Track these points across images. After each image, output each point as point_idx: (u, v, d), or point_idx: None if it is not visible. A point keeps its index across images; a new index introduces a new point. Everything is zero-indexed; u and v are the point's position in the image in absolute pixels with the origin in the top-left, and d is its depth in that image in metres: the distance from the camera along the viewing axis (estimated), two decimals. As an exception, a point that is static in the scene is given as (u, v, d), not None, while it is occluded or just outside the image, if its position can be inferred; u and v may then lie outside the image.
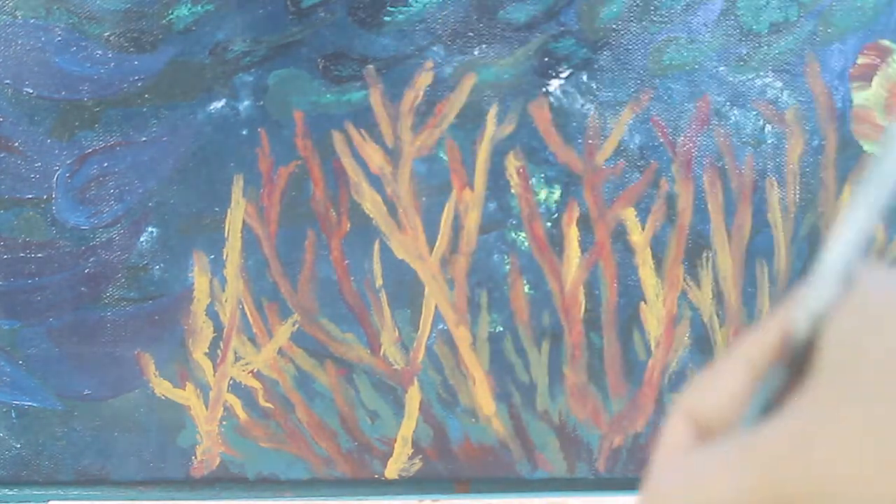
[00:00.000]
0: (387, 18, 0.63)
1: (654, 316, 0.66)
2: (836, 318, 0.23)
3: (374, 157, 0.65)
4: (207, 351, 0.66)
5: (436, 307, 0.66)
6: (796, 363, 0.25)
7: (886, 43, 0.65)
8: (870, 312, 0.23)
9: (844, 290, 0.24)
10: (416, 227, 0.65)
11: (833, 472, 0.22)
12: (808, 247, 0.67)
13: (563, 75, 0.64)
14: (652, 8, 0.63)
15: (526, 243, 0.65)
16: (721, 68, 0.64)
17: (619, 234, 0.65)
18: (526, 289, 0.66)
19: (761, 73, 0.65)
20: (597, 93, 0.64)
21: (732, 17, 0.64)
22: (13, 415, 0.67)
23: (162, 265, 0.65)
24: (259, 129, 0.64)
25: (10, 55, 0.63)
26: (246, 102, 0.64)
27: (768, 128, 0.66)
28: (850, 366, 0.22)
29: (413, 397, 0.67)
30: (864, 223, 0.24)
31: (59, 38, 0.63)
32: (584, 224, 0.65)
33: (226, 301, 0.66)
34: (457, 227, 0.65)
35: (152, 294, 0.66)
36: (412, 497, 0.68)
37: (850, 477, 0.22)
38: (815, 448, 0.22)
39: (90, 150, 0.64)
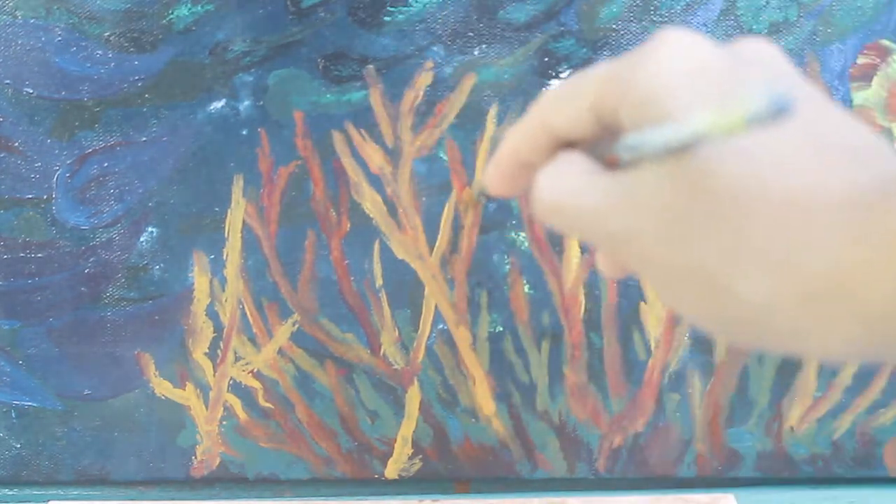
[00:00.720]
0: (387, 18, 0.63)
1: (654, 316, 0.66)
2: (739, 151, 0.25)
3: (374, 157, 0.65)
4: (207, 351, 0.66)
5: (436, 307, 0.66)
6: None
7: (886, 43, 0.65)
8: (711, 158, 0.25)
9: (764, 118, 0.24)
10: (416, 227, 0.65)
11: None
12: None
13: (563, 75, 0.64)
14: (652, 8, 0.63)
15: (526, 243, 0.65)
16: (721, 68, 0.64)
17: (619, 234, 0.65)
18: (526, 289, 0.66)
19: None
20: (597, 93, 0.64)
21: (732, 17, 0.64)
22: (13, 415, 0.67)
23: (162, 265, 0.65)
24: (259, 129, 0.64)
25: (10, 55, 0.63)
26: (246, 102, 0.64)
27: (768, 128, 0.66)
28: (679, 185, 0.25)
29: (413, 397, 0.67)
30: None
31: (59, 38, 0.63)
32: (584, 224, 0.65)
33: (226, 301, 0.66)
34: (457, 227, 0.65)
35: (152, 294, 0.66)
36: (412, 497, 0.68)
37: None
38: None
39: (90, 150, 0.64)
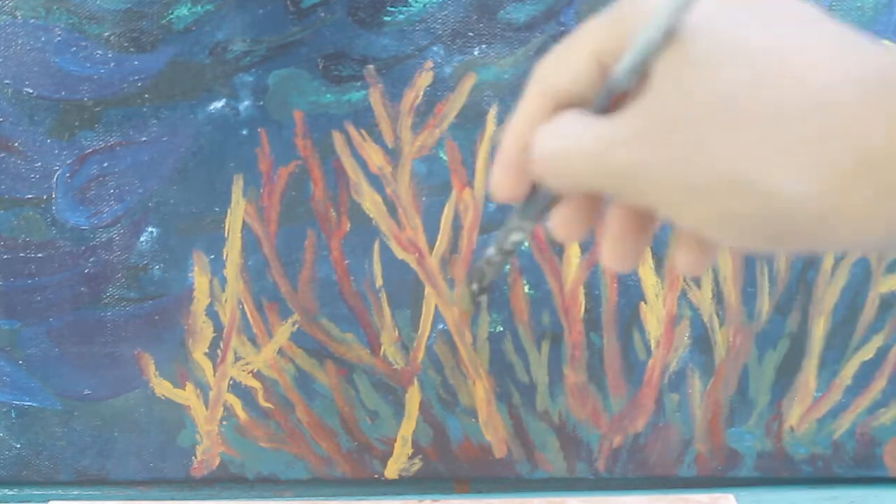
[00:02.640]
0: (387, 18, 0.63)
1: (654, 316, 0.66)
2: (665, 59, 0.25)
3: (374, 157, 0.65)
4: (207, 351, 0.66)
5: (436, 307, 0.66)
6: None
7: (886, 43, 0.65)
8: (697, 53, 0.25)
9: (669, 36, 0.25)
10: (416, 227, 0.65)
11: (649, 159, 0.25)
12: (808, 247, 0.67)
13: (563, 75, 0.64)
14: (652, 8, 0.63)
15: (526, 243, 0.65)
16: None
17: (619, 234, 0.65)
18: (526, 289, 0.66)
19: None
20: (597, 93, 0.64)
21: (732, 17, 0.64)
22: (13, 415, 0.67)
23: (162, 265, 0.65)
24: (259, 129, 0.64)
25: (10, 55, 0.63)
26: (246, 102, 0.64)
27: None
28: (677, 99, 0.25)
29: (413, 397, 0.67)
30: None
31: (59, 38, 0.63)
32: (584, 224, 0.65)
33: (226, 301, 0.66)
34: (457, 227, 0.65)
35: (152, 294, 0.66)
36: (412, 497, 0.68)
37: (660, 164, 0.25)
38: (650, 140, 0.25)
39: (90, 150, 0.64)
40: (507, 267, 0.66)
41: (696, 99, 0.25)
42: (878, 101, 0.23)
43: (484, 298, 0.36)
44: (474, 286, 0.35)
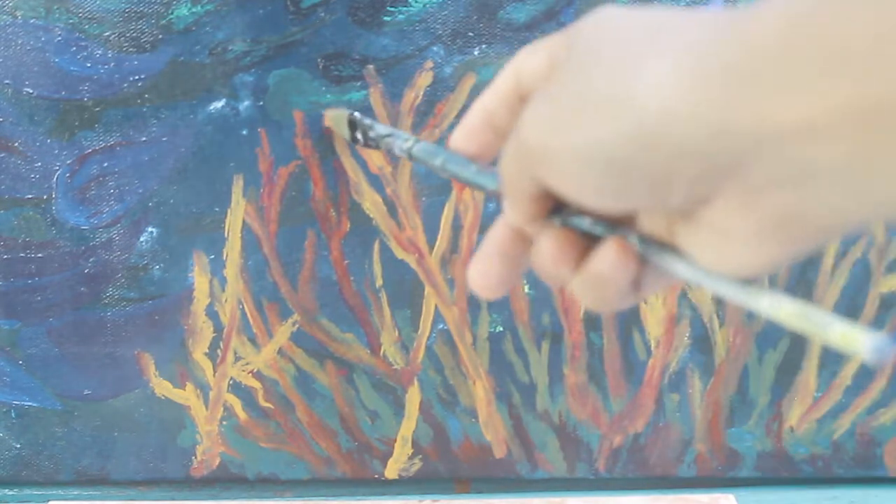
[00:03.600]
0: (387, 18, 0.63)
1: (654, 316, 0.66)
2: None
3: (374, 157, 0.65)
4: (207, 351, 0.66)
5: (436, 307, 0.66)
6: None
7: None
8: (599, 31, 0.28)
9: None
10: (416, 227, 0.65)
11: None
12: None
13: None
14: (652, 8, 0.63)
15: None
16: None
17: (619, 234, 0.65)
18: (526, 289, 0.66)
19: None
20: (597, 93, 0.64)
21: (732, 17, 0.64)
22: (13, 415, 0.67)
23: (162, 265, 0.65)
24: (259, 129, 0.64)
25: (10, 55, 0.63)
26: (246, 102, 0.64)
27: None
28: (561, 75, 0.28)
29: (413, 397, 0.67)
30: None
31: (59, 38, 0.63)
32: (584, 224, 0.65)
33: (226, 301, 0.66)
34: (457, 227, 0.65)
35: (152, 294, 0.66)
36: (412, 497, 0.68)
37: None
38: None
39: (90, 150, 0.64)
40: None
41: (575, 61, 0.27)
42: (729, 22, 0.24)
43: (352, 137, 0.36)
44: (358, 134, 0.35)
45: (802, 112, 0.22)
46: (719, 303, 0.66)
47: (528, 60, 0.31)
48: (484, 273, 0.33)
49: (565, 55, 0.28)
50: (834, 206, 0.24)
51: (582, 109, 0.26)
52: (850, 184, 0.23)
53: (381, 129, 0.35)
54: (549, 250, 0.30)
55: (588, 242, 0.30)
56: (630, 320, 0.66)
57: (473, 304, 0.66)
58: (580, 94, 0.26)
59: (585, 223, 0.29)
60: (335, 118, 0.36)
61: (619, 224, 0.29)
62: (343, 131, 0.36)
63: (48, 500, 0.68)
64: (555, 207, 0.30)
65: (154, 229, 0.65)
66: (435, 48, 0.64)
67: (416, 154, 0.34)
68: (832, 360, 0.67)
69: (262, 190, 0.65)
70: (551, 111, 0.27)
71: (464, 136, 0.33)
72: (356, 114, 0.36)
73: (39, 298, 0.66)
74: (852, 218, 0.24)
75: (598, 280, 0.29)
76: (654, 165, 0.25)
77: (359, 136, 0.35)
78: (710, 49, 0.24)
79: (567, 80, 0.27)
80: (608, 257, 0.29)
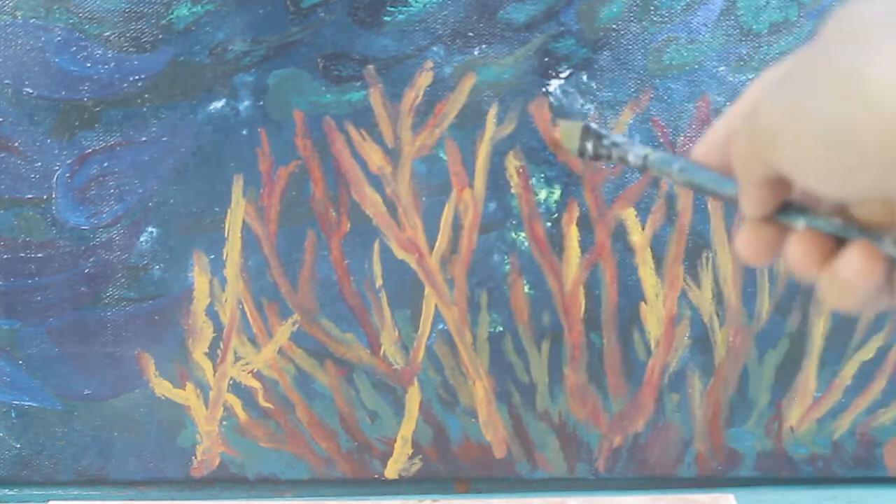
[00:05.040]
0: (387, 18, 0.63)
1: (654, 316, 0.66)
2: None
3: (374, 157, 0.65)
4: (207, 351, 0.66)
5: (436, 307, 0.66)
6: None
7: None
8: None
9: None
10: (416, 227, 0.65)
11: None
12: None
13: (563, 75, 0.64)
14: (652, 8, 0.63)
15: (526, 243, 0.65)
16: (721, 68, 0.64)
17: (619, 234, 0.65)
18: (526, 289, 0.66)
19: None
20: (597, 93, 0.64)
21: (732, 17, 0.64)
22: (13, 415, 0.67)
23: (162, 265, 0.65)
24: (259, 129, 0.64)
25: (10, 55, 0.63)
26: (246, 102, 0.64)
27: (768, 128, 0.66)
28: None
29: (413, 397, 0.67)
30: None
31: (59, 38, 0.63)
32: (584, 224, 0.65)
33: (226, 301, 0.66)
34: (457, 227, 0.65)
35: (152, 294, 0.66)
36: (412, 497, 0.68)
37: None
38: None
39: (90, 150, 0.64)
40: (508, 267, 0.66)
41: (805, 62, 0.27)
42: None
43: (585, 155, 0.34)
44: (588, 145, 0.34)
45: None
46: (719, 303, 0.66)
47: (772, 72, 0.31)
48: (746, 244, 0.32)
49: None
50: None
51: (818, 86, 0.26)
52: None
53: (615, 138, 0.35)
54: (796, 251, 0.30)
55: (837, 243, 0.29)
56: (630, 320, 0.66)
57: (473, 304, 0.66)
58: (817, 72, 0.26)
59: (831, 226, 0.29)
60: (567, 129, 0.35)
61: (867, 227, 0.28)
62: (573, 143, 0.35)
63: (48, 500, 0.68)
64: (789, 204, 0.30)
65: (154, 229, 0.65)
66: (435, 48, 0.64)
67: (652, 163, 0.33)
68: (832, 360, 0.67)
69: (262, 190, 0.65)
70: (787, 90, 0.27)
71: (706, 149, 0.33)
72: (592, 124, 0.35)
73: (39, 298, 0.66)
74: None
75: (844, 284, 0.29)
76: (886, 146, 0.24)
77: (589, 146, 0.35)
78: None
79: (806, 60, 0.27)
80: (853, 263, 0.28)
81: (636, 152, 0.34)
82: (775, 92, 0.27)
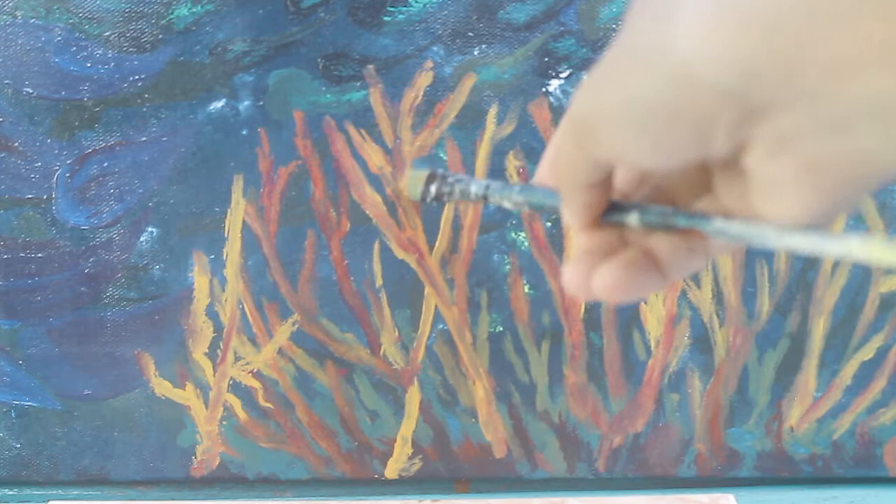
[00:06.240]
0: (387, 18, 0.63)
1: (654, 316, 0.66)
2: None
3: (374, 157, 0.65)
4: (207, 351, 0.67)
5: (436, 307, 0.66)
6: None
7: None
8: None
9: None
10: (416, 227, 0.65)
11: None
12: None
13: (563, 75, 0.64)
14: (652, 8, 0.63)
15: (526, 243, 0.65)
16: (721, 68, 0.64)
17: (619, 234, 0.65)
18: (526, 289, 0.66)
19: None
20: (597, 93, 0.64)
21: (732, 17, 0.64)
22: (13, 415, 0.67)
23: (162, 265, 0.65)
24: (259, 129, 0.64)
25: (10, 55, 0.63)
26: (246, 102, 0.64)
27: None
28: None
29: (413, 397, 0.67)
30: None
31: (59, 38, 0.63)
32: (584, 224, 0.65)
33: (226, 301, 0.66)
34: (457, 227, 0.65)
35: (152, 294, 0.66)
36: (412, 497, 0.68)
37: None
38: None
39: (90, 150, 0.64)
40: (508, 267, 0.66)
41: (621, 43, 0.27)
42: None
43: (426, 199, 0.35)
44: (432, 188, 0.35)
45: (836, 48, 0.22)
46: (719, 303, 0.66)
47: None
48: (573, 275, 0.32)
49: None
50: (869, 151, 0.24)
51: (625, 65, 0.26)
52: (885, 126, 0.23)
53: (458, 176, 0.35)
54: (612, 274, 0.31)
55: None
56: (630, 320, 0.66)
57: (473, 304, 0.66)
58: (623, 52, 0.27)
59: (661, 214, 0.29)
60: (412, 179, 0.36)
61: (695, 212, 0.29)
62: (415, 191, 0.36)
63: (48, 500, 0.68)
64: (616, 204, 0.30)
65: (154, 229, 0.65)
66: (435, 48, 0.64)
67: (493, 191, 0.34)
68: (832, 360, 0.67)
69: (262, 190, 0.65)
70: (596, 76, 0.28)
71: (544, 169, 0.33)
72: (438, 169, 0.36)
73: (39, 298, 0.66)
74: (888, 165, 0.24)
75: (603, 295, 0.30)
76: (694, 109, 0.25)
77: (432, 188, 0.35)
78: None
79: (612, 46, 0.28)
80: (608, 277, 0.30)
81: (478, 184, 0.35)
82: (584, 82, 0.28)
